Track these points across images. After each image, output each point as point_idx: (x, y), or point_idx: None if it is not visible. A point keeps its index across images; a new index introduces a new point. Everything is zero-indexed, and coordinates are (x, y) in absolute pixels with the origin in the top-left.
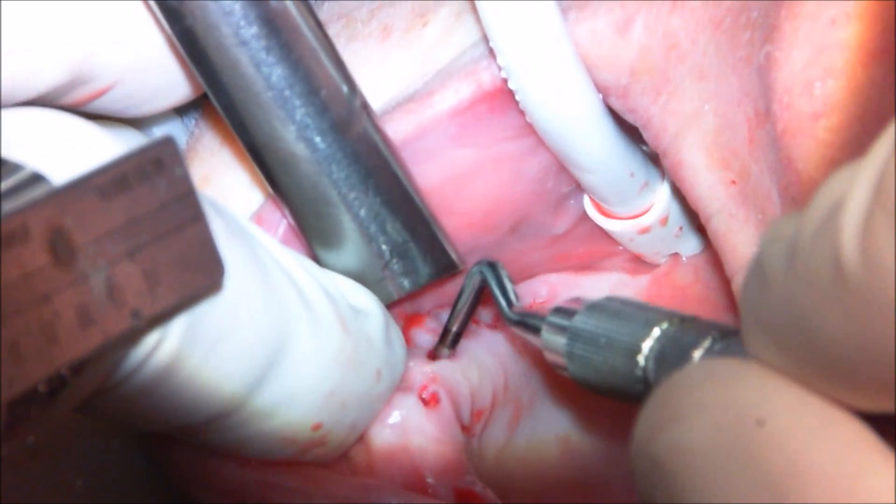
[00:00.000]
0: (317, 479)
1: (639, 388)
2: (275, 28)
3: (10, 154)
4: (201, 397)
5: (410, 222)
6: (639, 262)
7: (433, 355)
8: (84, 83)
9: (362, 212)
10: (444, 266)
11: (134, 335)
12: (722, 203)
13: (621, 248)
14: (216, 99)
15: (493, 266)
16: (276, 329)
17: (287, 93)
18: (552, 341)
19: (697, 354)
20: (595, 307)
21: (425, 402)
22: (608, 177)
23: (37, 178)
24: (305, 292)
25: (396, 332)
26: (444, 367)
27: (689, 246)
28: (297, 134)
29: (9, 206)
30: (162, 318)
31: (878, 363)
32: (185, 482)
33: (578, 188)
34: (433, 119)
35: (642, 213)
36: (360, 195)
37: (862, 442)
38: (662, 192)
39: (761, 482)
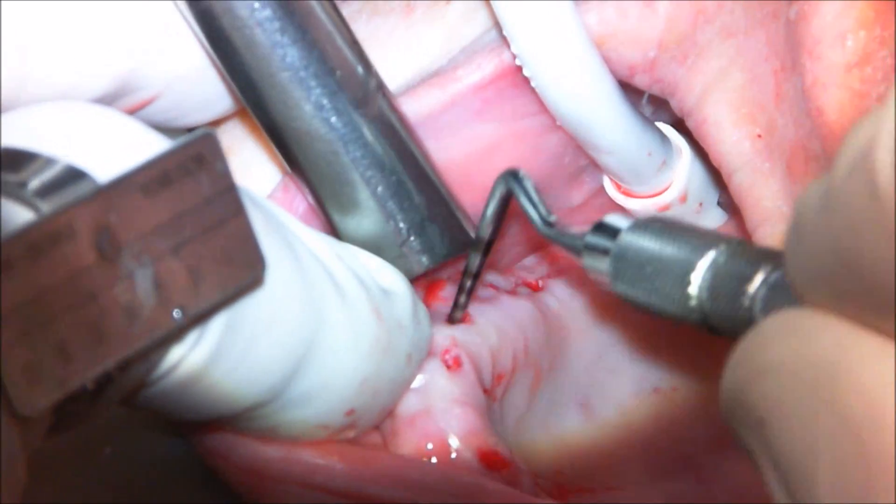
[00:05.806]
0: (337, 454)
1: (694, 316)
2: (289, 9)
3: (53, 147)
4: (238, 391)
5: (428, 200)
6: None
7: (451, 320)
8: (129, 93)
9: (379, 190)
10: (462, 243)
11: (178, 332)
12: (747, 157)
13: None
14: (233, 80)
15: (515, 175)
16: (312, 322)
17: (302, 73)
18: (594, 263)
19: (752, 289)
20: (639, 227)
21: (448, 366)
22: (626, 158)
23: (73, 173)
24: (340, 282)
25: (422, 309)
26: (464, 331)
27: (710, 222)
28: (312, 114)
29: (53, 204)
30: (206, 314)
31: None
32: (209, 456)
33: (595, 163)
34: (457, 94)
35: (661, 191)
36: (376, 174)
37: None
38: (681, 169)
39: (842, 427)
